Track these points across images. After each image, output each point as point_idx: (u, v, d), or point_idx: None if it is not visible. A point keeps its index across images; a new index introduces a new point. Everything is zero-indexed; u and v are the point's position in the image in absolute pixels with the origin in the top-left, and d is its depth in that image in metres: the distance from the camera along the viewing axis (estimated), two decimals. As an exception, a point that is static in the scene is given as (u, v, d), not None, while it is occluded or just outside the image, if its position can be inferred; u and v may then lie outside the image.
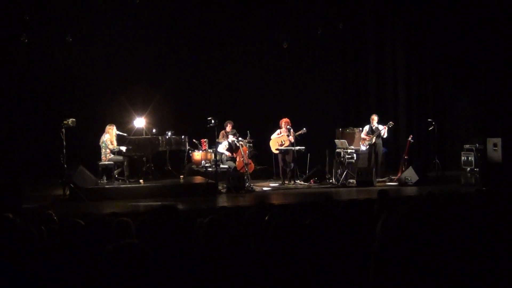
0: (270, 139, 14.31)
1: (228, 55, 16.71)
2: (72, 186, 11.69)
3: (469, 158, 14.35)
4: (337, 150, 14.17)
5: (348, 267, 3.33)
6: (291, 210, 7.61)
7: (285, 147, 13.99)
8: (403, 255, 1.03)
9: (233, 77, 16.65)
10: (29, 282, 3.31)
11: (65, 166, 12.00)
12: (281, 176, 14.22)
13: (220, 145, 14.34)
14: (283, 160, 14.12)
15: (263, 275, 3.24)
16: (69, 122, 12.14)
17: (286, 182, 14.07)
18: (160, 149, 13.69)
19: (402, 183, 13.53)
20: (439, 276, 1.01)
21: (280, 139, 14.14)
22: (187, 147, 14.46)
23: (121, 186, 12.71)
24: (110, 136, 13.08)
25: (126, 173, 13.16)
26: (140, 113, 14.34)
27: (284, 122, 14.07)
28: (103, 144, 13.05)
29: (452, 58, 16.70)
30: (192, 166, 14.73)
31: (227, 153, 14.50)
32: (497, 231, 1.08)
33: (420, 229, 1.05)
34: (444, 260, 1.02)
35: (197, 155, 14.63)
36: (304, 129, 14.03)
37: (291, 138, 13.89)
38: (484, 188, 11.05)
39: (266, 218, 4.04)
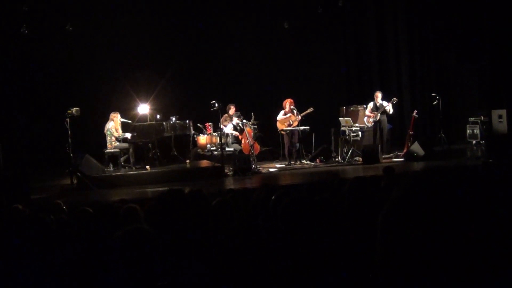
0: (276, 120, 14.29)
1: (230, 37, 16.64)
2: (79, 174, 11.74)
3: (475, 131, 14.32)
4: (342, 128, 14.16)
5: (356, 243, 3.34)
6: (299, 189, 7.62)
7: (293, 127, 13.97)
8: (409, 227, 1.04)
9: (235, 59, 16.59)
10: (40, 270, 3.34)
11: (71, 155, 12.04)
12: (287, 156, 14.21)
13: (227, 127, 14.38)
14: (289, 140, 14.11)
15: (272, 255, 3.25)
16: (73, 111, 12.15)
17: (293, 162, 14.07)
18: (165, 134, 13.69)
19: (408, 158, 13.50)
20: (443, 247, 1.02)
21: (288, 119, 14.11)
22: (192, 132, 14.46)
23: (127, 173, 12.74)
24: (114, 123, 13.09)
25: (132, 160, 13.18)
26: (144, 100, 14.31)
27: (288, 102, 14.05)
28: (108, 132, 13.06)
29: (454, 30, 16.56)
30: (198, 151, 14.75)
31: (235, 133, 14.51)
32: (504, 202, 1.08)
33: (425, 201, 1.05)
34: (449, 231, 1.02)
35: (202, 139, 14.64)
36: (311, 108, 13.97)
37: (299, 118, 13.88)
38: (490, 160, 11.03)
39: (273, 198, 4.05)
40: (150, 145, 13.66)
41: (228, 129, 14.45)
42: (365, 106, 14.99)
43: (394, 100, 14.44)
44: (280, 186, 9.81)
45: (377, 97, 14.53)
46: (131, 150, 13.16)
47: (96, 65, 15.58)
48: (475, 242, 1.03)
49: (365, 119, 14.73)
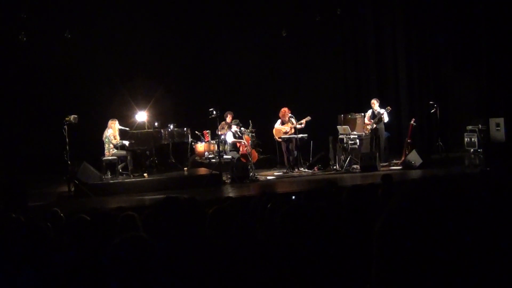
0: (274, 128, 14.31)
1: (228, 45, 16.65)
2: (77, 182, 11.72)
3: (472, 139, 14.32)
4: (340, 136, 14.16)
5: (354, 251, 3.34)
6: (296, 197, 7.61)
7: (288, 135, 14.00)
8: (406, 237, 1.03)
9: (233, 67, 16.61)
10: (37, 278, 3.33)
11: (69, 162, 12.01)
12: (286, 164, 14.22)
13: (227, 136, 14.32)
14: (287, 148, 14.13)
15: (270, 263, 3.25)
16: (71, 119, 12.13)
17: (290, 170, 14.07)
18: (163, 142, 13.70)
19: (406, 166, 13.50)
20: (441, 256, 1.01)
21: (284, 127, 14.15)
22: (190, 139, 14.46)
23: (125, 180, 12.72)
24: (113, 131, 13.08)
25: (130, 168, 13.15)
26: (142, 107, 14.32)
27: (284, 112, 14.09)
28: (106, 139, 13.05)
29: (451, 39, 16.60)
30: (196, 158, 14.73)
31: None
32: (502, 211, 1.08)
33: (422, 211, 1.05)
34: (447, 240, 1.02)
35: (200, 146, 14.63)
36: (309, 117, 14.01)
37: (301, 126, 13.88)
38: (488, 169, 11.03)
39: (269, 206, 4.05)
40: (148, 152, 13.65)
41: (229, 138, 14.38)
42: (363, 114, 14.99)
43: (388, 109, 14.41)
44: (278, 194, 9.80)
45: (374, 104, 14.54)
46: (129, 157, 13.15)
47: (94, 72, 15.59)
48: (473, 251, 1.03)
49: (363, 127, 14.73)
